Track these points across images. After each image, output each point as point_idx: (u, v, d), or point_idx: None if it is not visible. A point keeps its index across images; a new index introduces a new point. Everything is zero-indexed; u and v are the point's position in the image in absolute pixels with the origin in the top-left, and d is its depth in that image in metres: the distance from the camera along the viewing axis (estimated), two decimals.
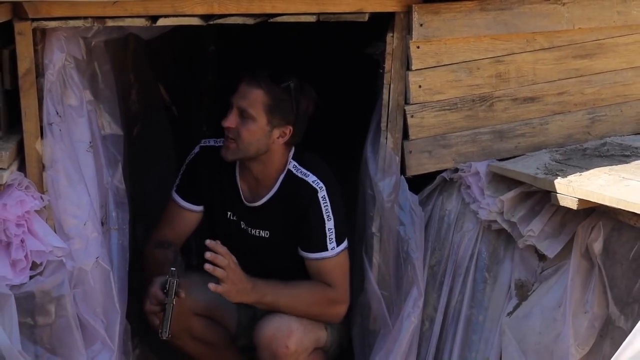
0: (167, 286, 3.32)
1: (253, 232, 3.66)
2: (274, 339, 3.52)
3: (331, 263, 3.57)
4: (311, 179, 3.56)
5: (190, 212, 3.72)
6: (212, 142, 3.70)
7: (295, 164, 3.59)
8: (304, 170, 3.58)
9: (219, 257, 3.36)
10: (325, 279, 3.59)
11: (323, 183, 3.55)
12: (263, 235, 3.65)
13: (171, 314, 3.31)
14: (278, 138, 3.51)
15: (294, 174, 3.57)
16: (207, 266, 3.34)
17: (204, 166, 3.68)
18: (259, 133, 3.46)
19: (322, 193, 3.53)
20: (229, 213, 3.70)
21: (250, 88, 3.44)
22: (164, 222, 3.74)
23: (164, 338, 3.33)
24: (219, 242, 3.37)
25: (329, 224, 3.52)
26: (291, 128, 3.51)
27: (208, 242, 3.37)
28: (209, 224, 3.80)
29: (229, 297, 3.43)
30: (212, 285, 3.35)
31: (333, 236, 3.54)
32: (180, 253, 3.62)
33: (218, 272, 3.33)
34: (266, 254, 3.65)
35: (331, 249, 3.55)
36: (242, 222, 3.67)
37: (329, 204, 3.54)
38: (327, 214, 3.53)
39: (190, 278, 3.61)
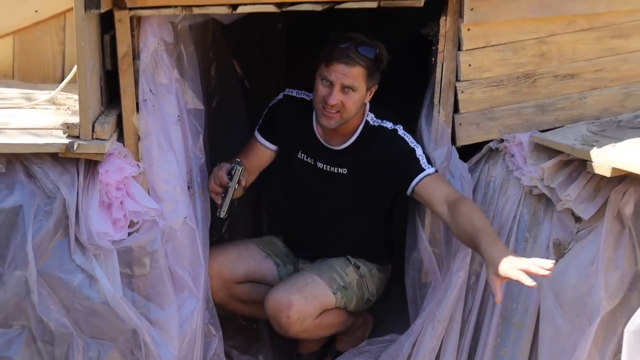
0: (233, 172, 3.45)
1: (331, 169, 3.77)
2: (277, 311, 3.64)
3: (437, 178, 3.59)
4: (387, 124, 3.69)
5: (265, 149, 3.85)
6: (294, 93, 3.84)
7: (372, 115, 3.71)
8: (377, 120, 3.71)
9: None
10: (447, 190, 3.54)
11: (399, 124, 3.68)
12: (341, 172, 3.76)
13: (231, 197, 3.46)
14: (367, 97, 3.65)
15: (371, 124, 3.70)
16: None
17: (284, 111, 3.83)
18: (360, 100, 3.60)
19: (401, 130, 3.67)
20: (301, 154, 3.82)
21: (350, 67, 3.52)
22: (242, 153, 3.83)
23: (222, 217, 3.49)
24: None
25: (418, 151, 3.62)
26: (377, 85, 3.65)
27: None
28: (282, 164, 3.91)
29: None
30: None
31: (424, 160, 3.61)
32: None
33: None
34: (340, 187, 3.77)
35: (428, 169, 3.60)
36: (317, 162, 3.79)
37: (410, 136, 3.66)
38: (413, 143, 3.64)
39: (227, 252, 3.81)
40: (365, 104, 3.71)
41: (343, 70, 3.53)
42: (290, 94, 3.86)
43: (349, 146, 3.75)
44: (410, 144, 3.66)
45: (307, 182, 3.86)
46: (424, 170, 3.61)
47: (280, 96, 3.88)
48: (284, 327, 3.67)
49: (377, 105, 3.78)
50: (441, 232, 3.74)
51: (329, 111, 3.58)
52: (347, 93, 3.56)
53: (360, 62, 3.54)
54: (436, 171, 3.62)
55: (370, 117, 3.73)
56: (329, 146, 3.78)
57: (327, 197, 3.83)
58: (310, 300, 3.67)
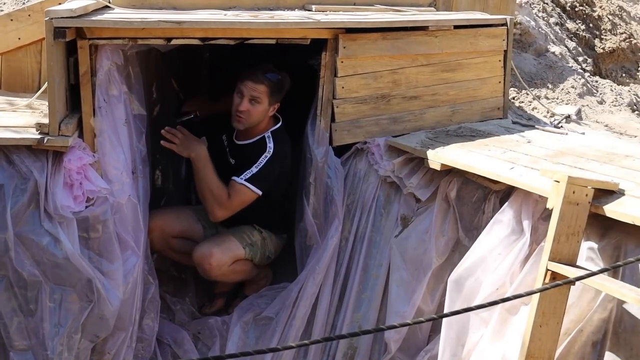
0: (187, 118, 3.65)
1: (229, 157, 3.75)
2: (202, 260, 3.60)
3: (235, 186, 3.56)
4: (270, 144, 3.62)
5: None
6: None
7: (270, 135, 3.65)
8: (272, 139, 3.63)
9: (168, 130, 3.49)
10: (229, 191, 3.58)
11: (273, 153, 3.60)
12: (231, 161, 3.74)
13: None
14: (270, 111, 3.61)
15: (265, 138, 3.64)
16: (163, 142, 3.48)
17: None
18: (263, 111, 3.59)
19: (267, 156, 3.59)
20: (224, 138, 3.79)
21: (258, 84, 3.53)
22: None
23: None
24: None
25: (253, 169, 3.56)
26: (279, 104, 3.61)
27: (162, 131, 3.49)
28: (213, 142, 3.79)
29: (179, 151, 3.52)
30: (163, 143, 3.50)
31: (248, 175, 3.56)
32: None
33: (168, 138, 3.49)
34: (229, 173, 3.66)
35: (240, 179, 3.56)
36: (227, 147, 3.77)
37: (263, 164, 3.59)
38: (258, 166, 3.57)
39: (169, 212, 3.74)
40: (278, 118, 3.65)
41: (251, 85, 3.55)
42: None
43: (244, 145, 3.70)
44: (258, 164, 3.58)
45: (219, 163, 3.74)
46: (238, 177, 3.58)
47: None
48: (207, 271, 3.64)
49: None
50: (321, 209, 3.71)
51: (240, 116, 3.58)
52: (253, 104, 3.55)
53: (265, 81, 3.54)
54: (244, 185, 3.57)
55: (268, 135, 3.66)
56: (235, 140, 3.75)
57: (225, 173, 3.68)
58: (226, 252, 3.65)
